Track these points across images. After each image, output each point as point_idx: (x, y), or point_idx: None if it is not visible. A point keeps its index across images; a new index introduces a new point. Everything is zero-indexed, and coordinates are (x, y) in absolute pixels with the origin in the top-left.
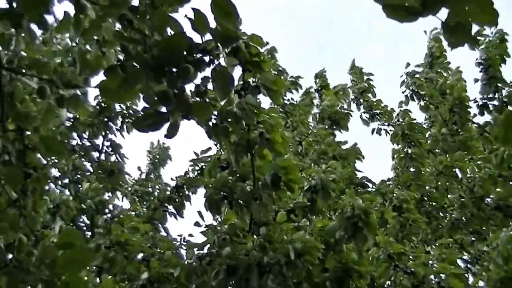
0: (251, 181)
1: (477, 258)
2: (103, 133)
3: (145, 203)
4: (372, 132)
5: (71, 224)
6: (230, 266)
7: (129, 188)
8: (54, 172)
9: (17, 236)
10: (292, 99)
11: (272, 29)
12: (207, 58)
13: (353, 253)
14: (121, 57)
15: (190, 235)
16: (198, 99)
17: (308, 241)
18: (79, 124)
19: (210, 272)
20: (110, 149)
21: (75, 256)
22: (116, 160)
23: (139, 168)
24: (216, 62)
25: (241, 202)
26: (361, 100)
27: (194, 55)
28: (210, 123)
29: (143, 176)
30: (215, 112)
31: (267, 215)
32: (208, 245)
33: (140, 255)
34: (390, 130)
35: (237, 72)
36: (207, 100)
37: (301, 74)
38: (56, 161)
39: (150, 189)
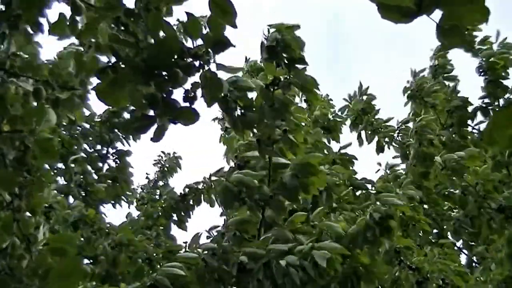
0: (266, 179)
1: (474, 261)
2: (109, 141)
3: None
4: (378, 152)
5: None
6: (241, 262)
7: (137, 196)
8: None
9: (10, 241)
10: None
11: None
12: (197, 63)
13: (365, 257)
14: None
15: (195, 235)
16: (187, 103)
17: (335, 249)
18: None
19: (219, 271)
20: (116, 157)
21: (69, 268)
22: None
23: (147, 175)
24: (206, 67)
25: (258, 200)
26: (361, 121)
27: (185, 59)
28: (236, 114)
29: (151, 184)
30: (241, 104)
31: (285, 214)
32: (216, 245)
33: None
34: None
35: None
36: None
37: None
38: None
39: (157, 196)
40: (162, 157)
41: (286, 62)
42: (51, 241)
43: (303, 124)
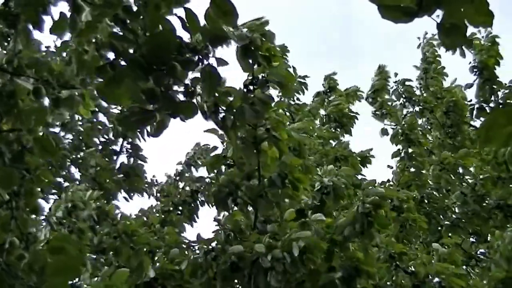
0: (256, 179)
1: (476, 259)
2: (123, 136)
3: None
4: (383, 134)
5: None
6: (234, 262)
7: (157, 187)
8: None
9: (8, 238)
10: (298, 99)
11: (278, 25)
12: (196, 58)
13: (359, 251)
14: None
15: (199, 235)
16: (186, 98)
17: (311, 239)
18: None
19: (215, 268)
20: (130, 151)
21: (65, 263)
22: (136, 163)
23: (177, 169)
24: (206, 62)
25: (247, 199)
26: (374, 99)
27: (184, 54)
28: (219, 117)
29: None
30: (223, 107)
31: (273, 213)
32: (215, 242)
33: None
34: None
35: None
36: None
37: (307, 73)
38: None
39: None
40: (193, 149)
41: (261, 60)
42: (52, 241)
43: (285, 121)
